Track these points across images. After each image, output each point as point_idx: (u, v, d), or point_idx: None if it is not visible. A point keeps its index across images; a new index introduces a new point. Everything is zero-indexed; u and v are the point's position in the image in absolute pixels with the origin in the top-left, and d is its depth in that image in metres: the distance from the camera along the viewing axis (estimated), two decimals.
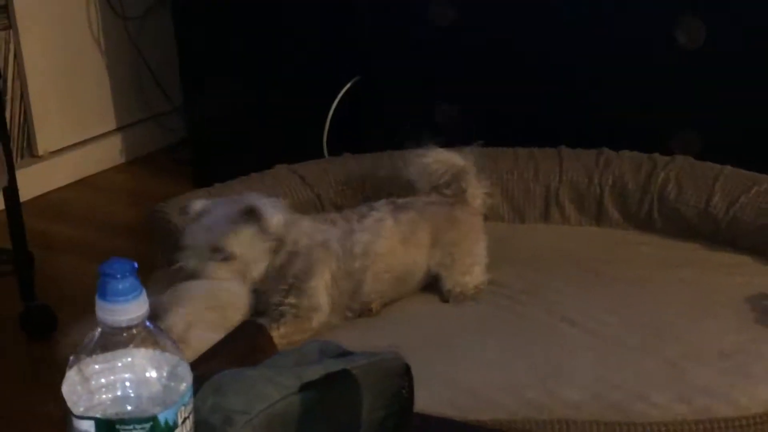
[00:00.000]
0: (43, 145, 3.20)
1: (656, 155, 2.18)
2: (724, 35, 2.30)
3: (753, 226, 2.02)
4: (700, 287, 1.94)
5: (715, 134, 2.34)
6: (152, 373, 0.77)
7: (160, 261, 2.12)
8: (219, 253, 1.75)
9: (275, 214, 1.78)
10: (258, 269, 1.78)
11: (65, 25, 3.20)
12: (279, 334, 1.74)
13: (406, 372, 0.95)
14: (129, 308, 0.76)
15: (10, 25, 3.05)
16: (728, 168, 2.10)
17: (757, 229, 2.01)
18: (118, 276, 0.76)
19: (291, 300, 1.80)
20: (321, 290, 1.82)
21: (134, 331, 0.77)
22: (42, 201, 3.11)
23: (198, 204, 1.83)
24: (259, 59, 2.94)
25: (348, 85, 2.78)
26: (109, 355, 0.77)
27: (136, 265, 0.77)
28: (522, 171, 2.25)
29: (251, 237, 1.77)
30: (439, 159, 2.02)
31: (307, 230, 1.84)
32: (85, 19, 3.26)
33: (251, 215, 1.77)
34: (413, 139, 2.29)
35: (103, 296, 0.76)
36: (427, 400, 1.62)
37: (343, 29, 2.79)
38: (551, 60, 2.48)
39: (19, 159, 3.11)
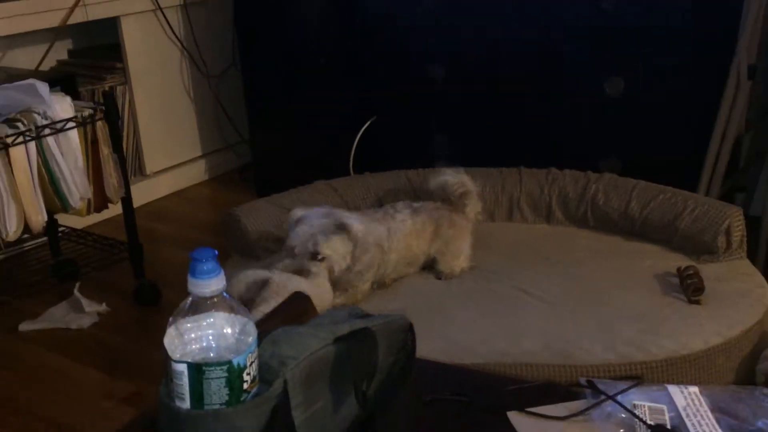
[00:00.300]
0: (150, 166, 3.20)
1: (589, 173, 2.17)
2: (638, 88, 2.29)
3: (660, 224, 2.00)
4: (622, 268, 1.92)
5: (633, 158, 2.33)
6: (228, 330, 0.77)
7: (232, 250, 2.13)
8: (316, 255, 1.73)
9: (358, 225, 1.77)
10: (342, 265, 1.76)
11: (165, 82, 3.21)
12: (336, 303, 1.75)
13: (410, 329, 0.94)
14: (211, 283, 0.76)
15: (126, 82, 3.06)
16: (642, 182, 2.08)
17: (662, 226, 1.99)
18: (203, 260, 0.76)
19: (355, 283, 1.80)
20: (371, 276, 1.83)
21: (215, 299, 0.77)
22: (149, 207, 3.12)
23: (298, 212, 1.81)
24: (304, 105, 2.94)
25: (367, 124, 2.78)
26: (197, 316, 0.77)
27: (216, 252, 0.77)
28: (493, 184, 2.23)
29: (340, 243, 1.75)
30: (456, 179, 2.01)
31: (370, 231, 1.82)
32: (180, 77, 3.27)
33: (341, 228, 1.76)
34: (414, 162, 2.30)
35: (193, 274, 0.76)
36: (425, 349, 1.61)
37: (364, 85, 2.79)
38: (517, 105, 2.48)
39: (132, 177, 3.12)
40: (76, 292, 2.32)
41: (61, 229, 2.54)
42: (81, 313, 2.28)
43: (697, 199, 2.01)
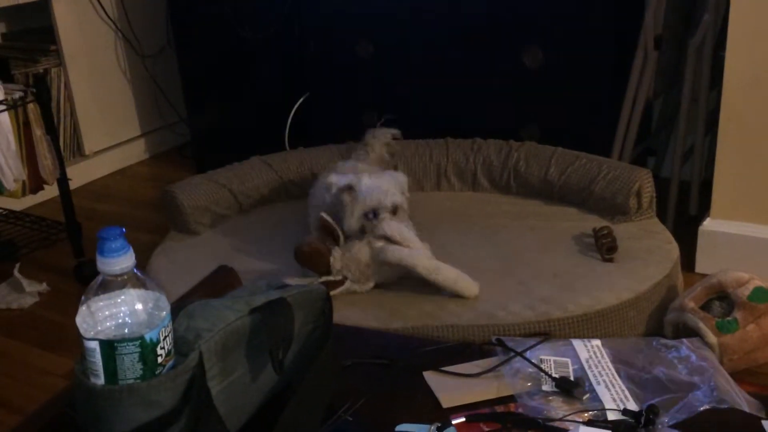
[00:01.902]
0: (89, 147, 3.11)
1: (511, 141, 2.18)
2: (555, 58, 2.30)
3: (577, 188, 2.03)
4: (542, 230, 1.95)
5: (551, 126, 2.34)
6: (140, 306, 0.75)
7: (171, 225, 2.10)
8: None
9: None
10: None
11: (101, 62, 3.11)
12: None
13: (327, 297, 0.93)
14: (120, 260, 0.73)
15: (61, 63, 2.96)
16: (560, 149, 2.11)
17: (579, 190, 2.03)
18: (111, 238, 0.73)
19: None
20: None
21: (125, 276, 0.74)
22: (89, 187, 3.03)
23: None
24: (239, 84, 2.89)
25: (301, 100, 2.74)
26: (109, 294, 0.75)
27: (124, 230, 0.74)
28: (421, 155, 2.24)
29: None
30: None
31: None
32: (115, 58, 3.17)
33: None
34: (346, 136, 2.28)
35: (101, 253, 0.73)
36: (357, 316, 1.63)
37: (297, 62, 2.75)
38: (443, 78, 2.47)
39: (71, 158, 3.03)
40: (15, 272, 2.25)
41: None
42: (21, 293, 2.21)
43: (611, 163, 2.04)
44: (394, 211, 1.74)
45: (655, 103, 2.53)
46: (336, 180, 1.77)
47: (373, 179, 1.75)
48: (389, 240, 1.68)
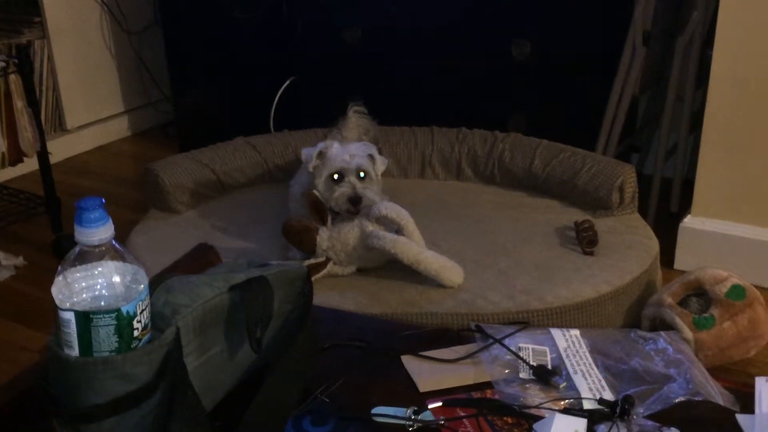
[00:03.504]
0: (71, 122, 3.07)
1: (497, 132, 2.17)
2: (543, 51, 2.30)
3: (560, 180, 2.03)
4: (524, 221, 1.94)
5: (537, 118, 2.34)
6: (117, 278, 0.74)
7: (151, 204, 2.07)
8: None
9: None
10: None
11: (85, 37, 3.07)
12: None
13: (307, 277, 0.93)
14: (98, 231, 0.72)
15: (44, 36, 2.91)
16: (545, 141, 2.10)
17: (563, 182, 2.02)
18: (90, 209, 0.72)
19: None
20: None
21: (103, 248, 0.73)
22: (70, 162, 2.99)
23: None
24: (225, 63, 2.86)
25: (287, 82, 2.73)
26: (85, 265, 0.73)
27: (103, 200, 0.73)
28: (406, 142, 2.23)
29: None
30: None
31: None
32: (100, 33, 3.13)
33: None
34: (331, 120, 2.27)
35: (80, 223, 0.72)
36: (338, 300, 1.62)
37: (284, 45, 2.73)
38: (426, 68, 2.47)
39: (53, 132, 2.99)
40: None
41: None
42: None
43: (594, 157, 2.04)
44: (360, 175, 1.73)
45: (641, 100, 2.54)
46: (307, 152, 1.77)
47: (341, 145, 1.77)
48: (385, 220, 1.67)
